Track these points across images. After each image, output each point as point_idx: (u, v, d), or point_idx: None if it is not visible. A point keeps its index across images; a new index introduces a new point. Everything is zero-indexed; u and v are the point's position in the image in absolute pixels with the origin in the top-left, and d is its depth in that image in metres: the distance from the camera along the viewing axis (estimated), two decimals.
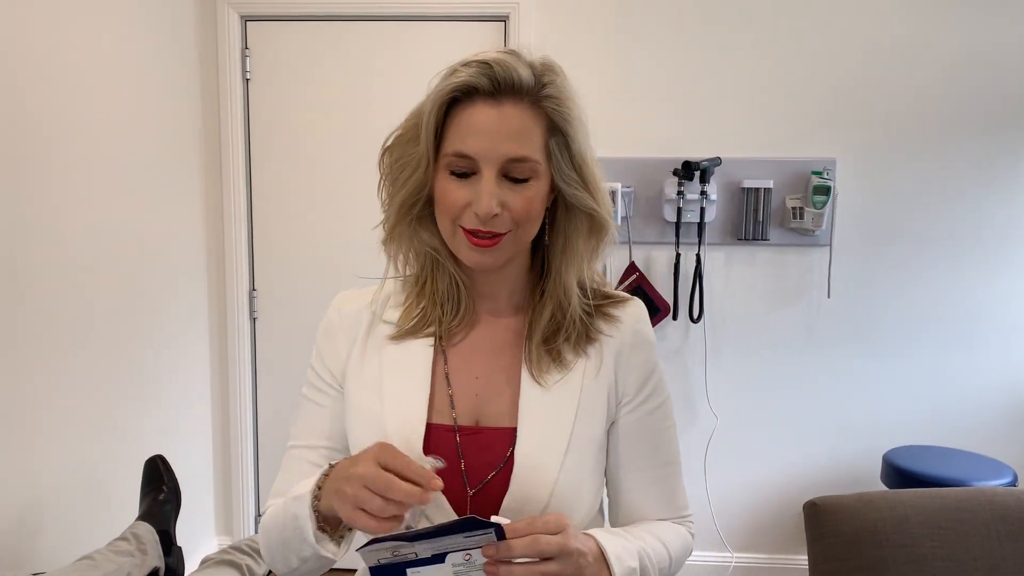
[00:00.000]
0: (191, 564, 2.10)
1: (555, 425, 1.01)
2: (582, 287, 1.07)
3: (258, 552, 1.81)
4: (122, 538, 1.79)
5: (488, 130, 0.94)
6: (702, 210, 2.81)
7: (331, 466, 0.92)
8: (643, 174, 2.88)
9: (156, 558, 1.82)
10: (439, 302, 1.07)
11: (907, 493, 1.59)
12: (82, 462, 2.16)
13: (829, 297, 2.91)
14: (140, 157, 2.47)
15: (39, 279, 1.97)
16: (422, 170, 0.98)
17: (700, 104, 2.87)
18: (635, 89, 2.88)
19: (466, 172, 0.96)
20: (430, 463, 0.87)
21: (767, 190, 2.83)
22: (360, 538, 0.90)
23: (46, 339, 2.00)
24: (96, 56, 2.23)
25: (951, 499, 1.59)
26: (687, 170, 2.73)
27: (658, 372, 1.11)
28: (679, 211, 2.82)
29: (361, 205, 2.98)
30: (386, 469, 0.82)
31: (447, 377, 1.06)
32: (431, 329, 1.07)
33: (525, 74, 0.97)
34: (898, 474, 2.57)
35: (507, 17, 2.86)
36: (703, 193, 2.78)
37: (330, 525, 0.93)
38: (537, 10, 2.85)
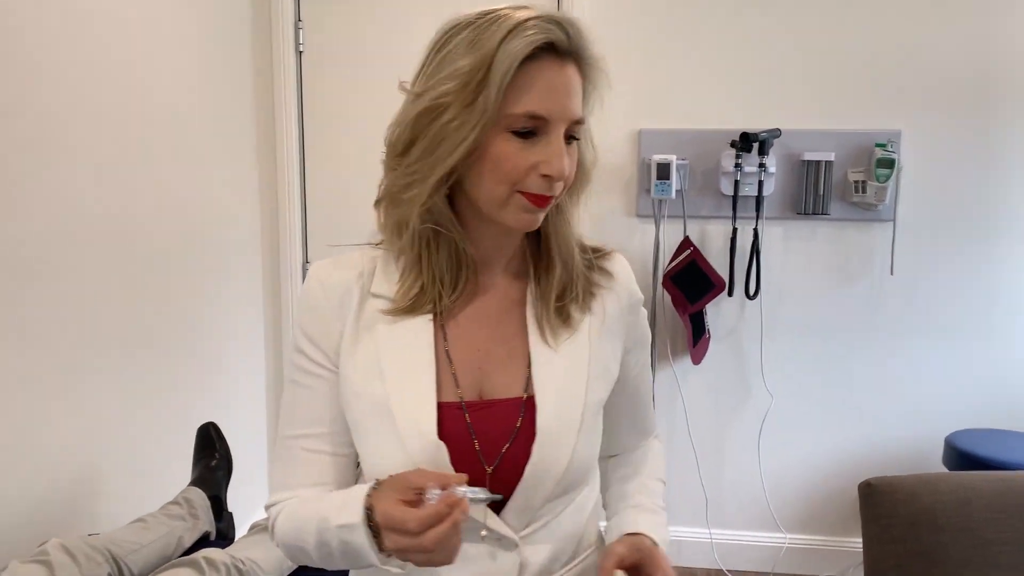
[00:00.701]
0: (242, 530, 2.13)
1: (570, 390, 1.00)
2: (577, 242, 1.07)
3: None
4: (174, 502, 1.83)
5: (561, 89, 0.92)
6: (760, 183, 2.73)
7: (374, 486, 0.89)
8: (699, 146, 2.81)
9: (207, 523, 1.85)
10: (437, 276, 1.01)
11: (970, 475, 1.52)
12: (139, 429, 2.21)
13: (892, 275, 2.81)
14: (194, 130, 2.50)
15: (98, 245, 2.01)
16: (477, 133, 0.91)
17: (759, 73, 2.79)
18: (691, 58, 2.80)
19: (529, 133, 0.92)
20: (483, 495, 0.88)
21: (828, 163, 2.73)
22: None
23: (104, 308, 2.04)
24: (150, 28, 2.25)
25: (1017, 483, 1.52)
26: (745, 142, 2.65)
27: (645, 321, 1.15)
28: (736, 184, 2.74)
29: None
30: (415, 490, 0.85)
31: (447, 353, 1.01)
32: (429, 306, 1.01)
33: (589, 39, 0.96)
34: (961, 457, 2.48)
35: None
36: (762, 166, 2.70)
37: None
38: None
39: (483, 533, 0.96)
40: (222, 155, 2.69)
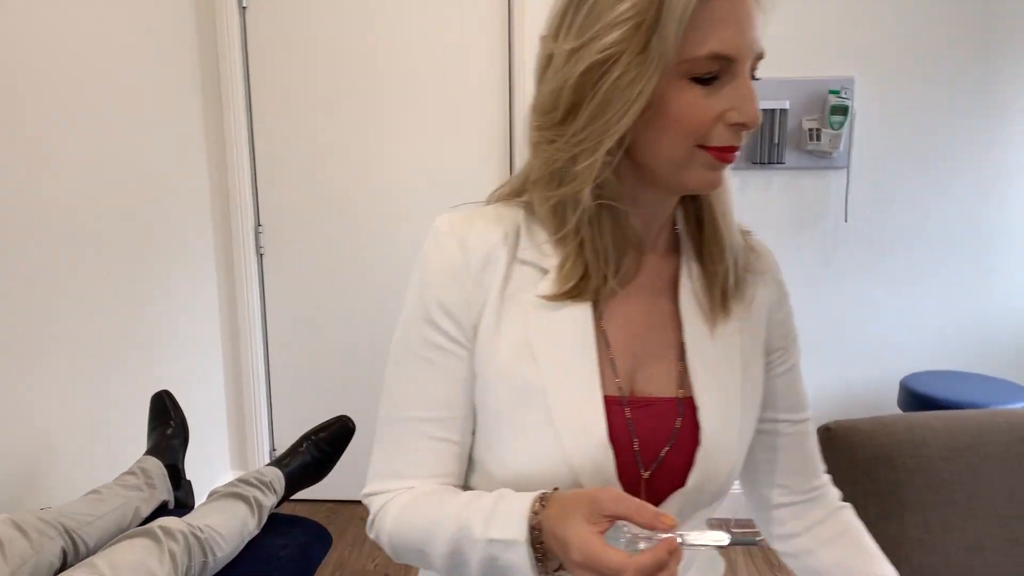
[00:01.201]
0: (202, 498, 2.11)
1: (728, 390, 0.89)
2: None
3: (266, 485, 1.80)
4: (130, 472, 1.79)
5: (744, 20, 0.77)
6: None
7: (541, 502, 0.76)
8: None
9: (164, 491, 1.82)
10: (601, 256, 0.85)
11: (924, 415, 1.55)
12: (92, 400, 2.16)
13: (847, 221, 2.84)
14: (134, 90, 2.41)
15: (45, 218, 1.93)
16: (653, 84, 0.76)
17: None
18: None
19: (712, 77, 0.78)
20: (709, 540, 0.72)
21: (783, 111, 2.73)
22: None
23: (48, 276, 1.97)
24: None
25: (969, 422, 1.55)
26: None
27: (793, 319, 1.01)
28: None
29: (368, 135, 2.92)
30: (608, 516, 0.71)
31: (605, 335, 0.87)
32: (593, 291, 0.86)
33: None
34: (915, 399, 2.53)
35: None
36: None
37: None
38: None
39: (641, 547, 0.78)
40: (165, 118, 2.60)
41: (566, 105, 0.81)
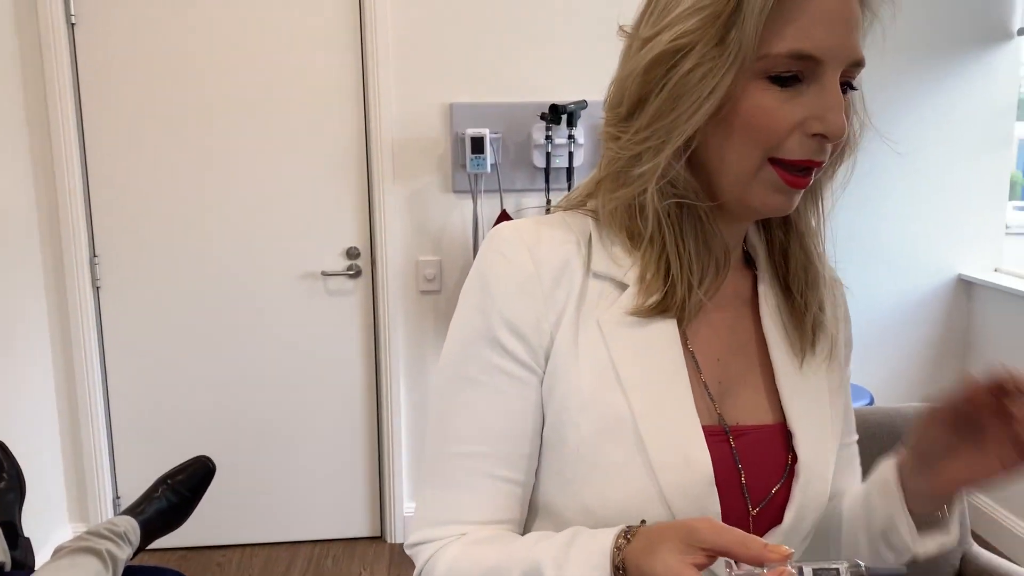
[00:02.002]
0: (43, 555, 1.91)
1: (820, 418, 0.81)
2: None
3: (119, 535, 1.66)
4: None
5: (838, 19, 0.69)
6: (571, 154, 2.78)
7: (625, 538, 0.66)
8: (511, 119, 2.82)
9: (0, 552, 1.63)
10: (686, 265, 0.77)
11: None
12: None
13: None
14: None
15: None
16: (728, 81, 0.69)
17: (566, 45, 2.82)
18: (499, 31, 2.79)
19: (792, 80, 0.70)
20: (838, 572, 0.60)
21: None
22: None
23: None
24: None
25: None
26: (554, 114, 2.68)
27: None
28: (548, 156, 2.78)
29: (213, 155, 2.78)
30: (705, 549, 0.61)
31: (694, 358, 0.78)
32: (679, 302, 0.77)
33: None
34: None
35: None
36: (571, 137, 2.75)
37: None
38: None
39: None
40: None
41: (632, 99, 0.74)
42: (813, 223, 0.83)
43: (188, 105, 2.74)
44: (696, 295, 0.77)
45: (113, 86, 2.73)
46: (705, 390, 0.78)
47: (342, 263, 2.88)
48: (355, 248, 2.87)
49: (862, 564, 0.58)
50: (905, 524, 0.77)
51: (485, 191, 2.85)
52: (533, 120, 2.79)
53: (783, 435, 0.80)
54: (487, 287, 0.77)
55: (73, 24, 2.68)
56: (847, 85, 0.73)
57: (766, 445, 0.79)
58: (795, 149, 0.71)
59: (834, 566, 0.58)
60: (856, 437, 0.94)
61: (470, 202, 2.85)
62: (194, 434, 2.88)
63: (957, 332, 3.17)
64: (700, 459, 0.74)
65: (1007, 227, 3.18)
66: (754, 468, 0.78)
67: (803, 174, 0.72)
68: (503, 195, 2.85)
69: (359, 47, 2.77)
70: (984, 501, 3.09)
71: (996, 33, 2.98)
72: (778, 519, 0.78)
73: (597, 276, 0.77)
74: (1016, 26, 2.97)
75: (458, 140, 2.80)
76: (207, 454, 1.95)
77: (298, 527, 3.00)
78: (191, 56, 2.72)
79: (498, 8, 2.78)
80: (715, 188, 0.76)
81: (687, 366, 0.77)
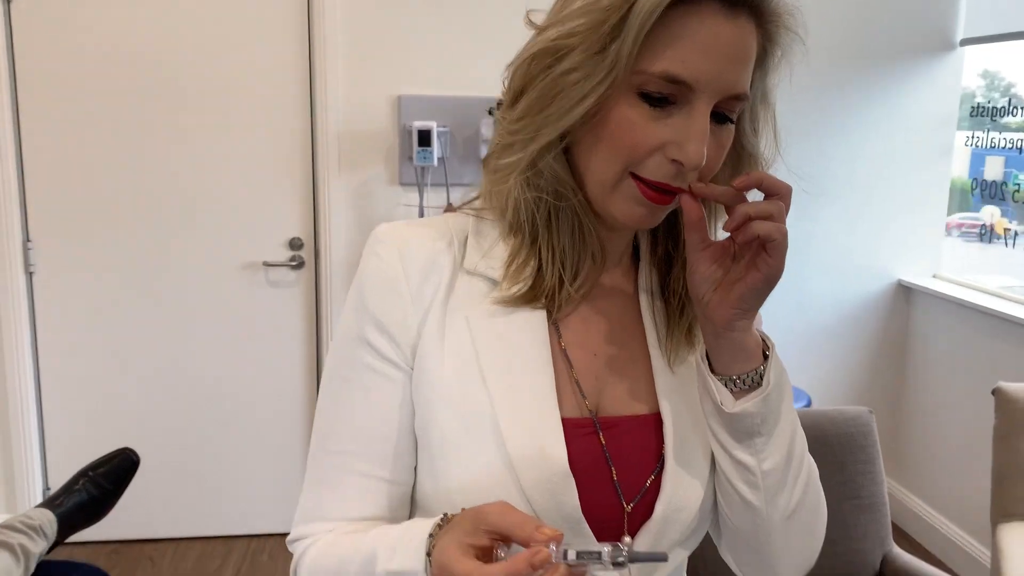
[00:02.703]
0: None
1: (695, 410, 0.79)
2: None
3: (34, 529, 1.61)
4: None
5: (720, 49, 0.68)
6: None
7: (439, 526, 0.68)
8: (459, 113, 2.80)
9: None
10: (558, 257, 0.77)
11: None
12: None
13: None
14: None
15: None
16: (602, 90, 0.69)
17: (515, 40, 2.80)
18: (448, 24, 2.77)
19: (663, 101, 0.70)
20: (606, 554, 0.60)
21: None
22: None
23: None
24: None
25: None
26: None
27: None
28: None
29: (156, 141, 2.72)
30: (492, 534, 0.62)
31: (565, 353, 0.79)
32: (545, 296, 0.78)
33: None
34: None
35: None
36: None
37: None
38: None
39: None
40: None
41: (515, 88, 0.75)
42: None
43: (129, 90, 2.68)
44: (567, 288, 0.78)
45: (51, 67, 2.65)
46: (576, 384, 0.78)
47: (285, 254, 2.84)
48: (298, 239, 2.83)
49: (624, 548, 0.59)
50: (713, 387, 0.73)
51: (432, 184, 2.83)
52: (481, 114, 2.77)
53: (656, 424, 0.80)
54: (361, 287, 0.78)
55: (9, 1, 2.60)
56: (725, 117, 0.72)
57: (637, 435, 0.79)
58: (654, 169, 0.71)
59: (597, 549, 0.59)
60: None
61: (416, 195, 2.83)
62: (129, 425, 2.82)
63: (896, 336, 3.22)
64: (556, 452, 0.74)
65: (963, 231, 3.22)
66: (626, 461, 0.77)
67: (664, 193, 0.72)
68: (449, 188, 2.83)
69: (306, 36, 2.72)
70: (908, 497, 3.15)
71: (938, 43, 3.03)
72: (651, 512, 0.77)
73: (469, 273, 0.78)
74: (958, 37, 3.02)
75: (405, 132, 2.77)
76: (142, 445, 1.91)
77: (234, 521, 2.96)
78: (133, 40, 2.66)
79: (448, 1, 2.76)
80: (584, 190, 0.76)
81: (559, 360, 0.78)
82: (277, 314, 2.87)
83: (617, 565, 0.59)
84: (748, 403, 0.72)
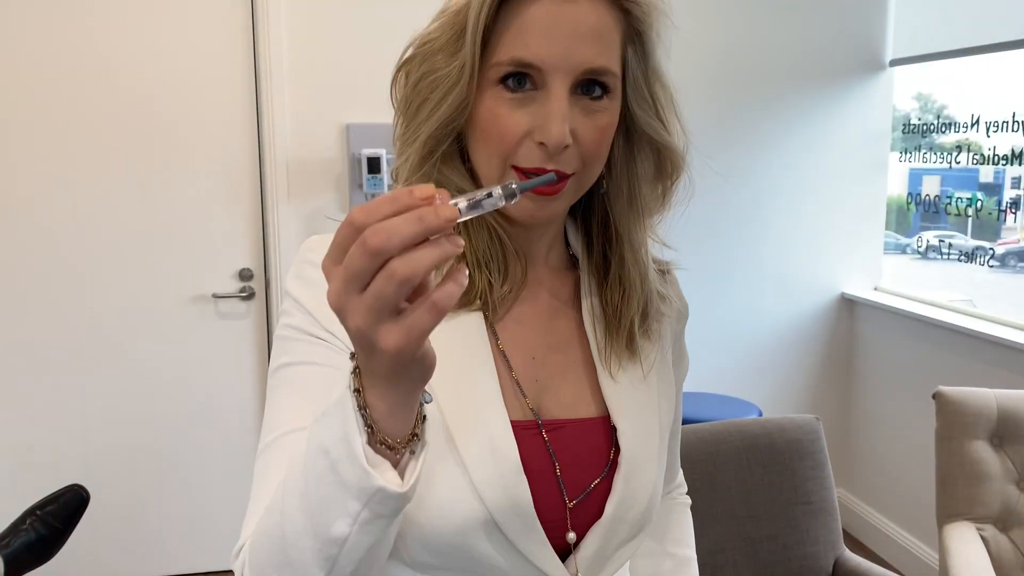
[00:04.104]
0: None
1: (643, 410, 0.83)
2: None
3: None
4: None
5: (561, 29, 0.70)
6: None
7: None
8: None
9: None
10: (482, 261, 0.79)
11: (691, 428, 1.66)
12: None
13: None
14: None
15: None
16: (463, 86, 0.72)
17: None
18: (396, 51, 2.78)
19: (522, 87, 0.72)
20: (489, 196, 0.55)
21: None
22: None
23: None
24: None
25: (704, 433, 1.68)
26: None
27: (684, 337, 0.97)
28: None
29: (97, 172, 2.68)
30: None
31: (504, 356, 0.80)
32: (479, 299, 0.79)
33: None
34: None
35: None
36: None
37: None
38: None
39: None
40: None
41: (396, 100, 0.79)
42: (635, 234, 0.83)
43: (71, 118, 2.64)
44: (497, 290, 0.79)
45: None
46: (517, 386, 0.80)
47: (234, 285, 2.81)
48: (248, 270, 2.81)
49: (514, 183, 0.56)
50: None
51: None
52: None
53: (607, 428, 0.81)
54: (289, 291, 0.78)
55: None
56: (597, 91, 0.73)
57: (586, 438, 0.80)
58: (527, 157, 0.73)
59: (487, 191, 0.55)
60: (678, 427, 0.98)
61: None
62: (75, 463, 2.75)
63: (841, 348, 3.31)
64: (507, 450, 0.75)
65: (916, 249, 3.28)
66: (572, 461, 0.79)
67: (547, 184, 0.68)
68: None
69: (252, 65, 2.73)
70: (858, 504, 3.22)
71: (869, 64, 3.15)
72: (601, 512, 0.79)
73: None
74: (888, 57, 3.14)
75: (355, 160, 2.78)
76: (90, 483, 1.86)
77: (185, 558, 2.89)
78: (76, 65, 2.63)
79: (395, 28, 2.78)
80: None
81: (498, 361, 0.79)
82: (227, 347, 2.83)
83: (510, 197, 0.55)
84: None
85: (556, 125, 0.70)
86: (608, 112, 0.75)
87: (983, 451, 1.86)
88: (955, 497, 1.87)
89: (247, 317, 2.83)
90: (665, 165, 0.81)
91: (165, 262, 2.75)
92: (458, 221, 0.51)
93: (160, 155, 2.71)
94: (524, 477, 0.75)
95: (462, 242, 0.52)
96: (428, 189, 0.51)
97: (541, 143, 0.71)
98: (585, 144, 0.73)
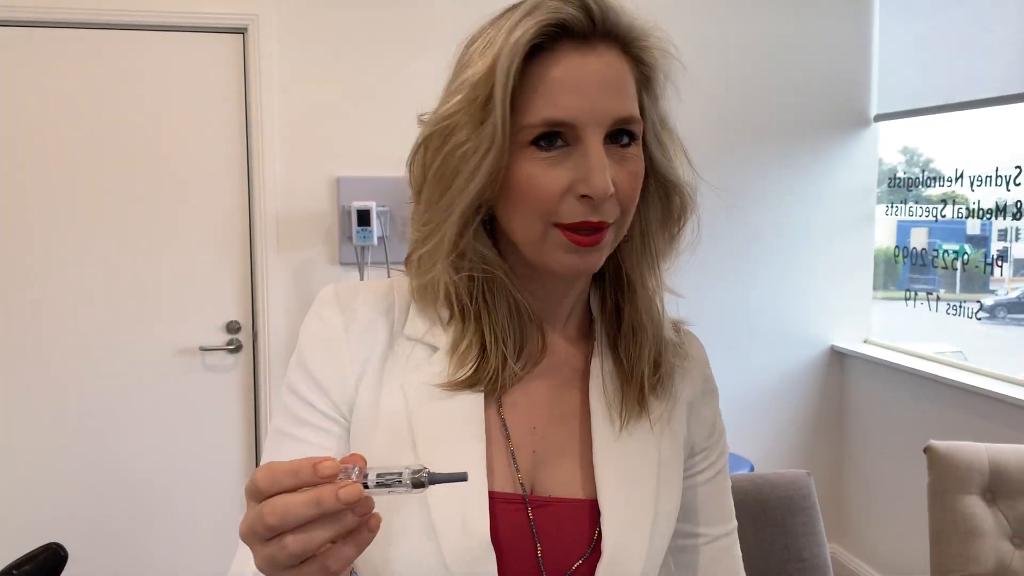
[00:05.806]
0: None
1: (638, 497, 0.79)
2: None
3: None
4: None
5: (587, 83, 0.71)
6: None
7: None
8: (398, 193, 2.82)
9: None
10: (500, 337, 0.78)
11: None
12: None
13: None
14: None
15: None
16: (495, 154, 0.71)
17: None
18: (385, 104, 2.82)
19: (555, 145, 0.72)
20: (403, 477, 0.56)
21: None
22: None
23: None
24: None
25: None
26: None
27: (721, 419, 0.92)
28: None
29: (86, 226, 2.68)
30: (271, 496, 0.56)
31: (504, 425, 0.79)
32: (490, 378, 0.78)
33: (624, 12, 0.74)
34: None
35: (245, 30, 2.70)
36: None
37: None
38: (279, 24, 2.72)
39: None
40: None
41: (416, 181, 0.78)
42: (649, 281, 0.82)
43: (60, 172, 2.65)
44: (511, 367, 0.78)
45: None
46: (512, 458, 0.78)
47: (222, 337, 2.79)
48: (236, 322, 2.79)
49: (425, 468, 0.57)
50: None
51: (372, 263, 2.84)
52: None
53: (592, 511, 0.78)
54: (301, 345, 0.80)
55: None
56: (626, 139, 0.74)
57: (570, 519, 0.78)
58: (570, 212, 0.72)
59: (397, 470, 0.56)
60: (733, 525, 0.92)
61: (356, 274, 2.83)
62: (58, 519, 2.69)
63: (832, 400, 3.30)
64: (478, 523, 0.73)
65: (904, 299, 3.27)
66: (554, 540, 0.77)
67: (590, 233, 0.73)
68: (390, 267, 2.84)
69: (243, 117, 2.75)
70: (851, 559, 3.17)
71: (854, 119, 3.19)
72: None
73: (409, 339, 0.79)
74: (872, 113, 3.19)
75: (345, 212, 2.79)
76: (72, 540, 1.82)
77: None
78: (64, 120, 2.64)
79: (384, 82, 2.82)
80: (520, 254, 0.77)
81: (496, 431, 0.78)
82: (214, 400, 2.80)
83: (417, 486, 0.56)
84: None
85: (600, 176, 0.70)
86: (638, 158, 0.75)
87: (976, 506, 1.84)
88: (949, 553, 1.84)
89: (234, 370, 2.81)
90: (674, 205, 0.80)
91: (153, 314, 2.73)
92: (361, 497, 0.53)
93: (150, 207, 2.71)
94: (492, 553, 0.73)
95: (377, 527, 0.56)
96: (332, 467, 0.54)
97: (584, 196, 0.71)
98: (622, 191, 0.73)
